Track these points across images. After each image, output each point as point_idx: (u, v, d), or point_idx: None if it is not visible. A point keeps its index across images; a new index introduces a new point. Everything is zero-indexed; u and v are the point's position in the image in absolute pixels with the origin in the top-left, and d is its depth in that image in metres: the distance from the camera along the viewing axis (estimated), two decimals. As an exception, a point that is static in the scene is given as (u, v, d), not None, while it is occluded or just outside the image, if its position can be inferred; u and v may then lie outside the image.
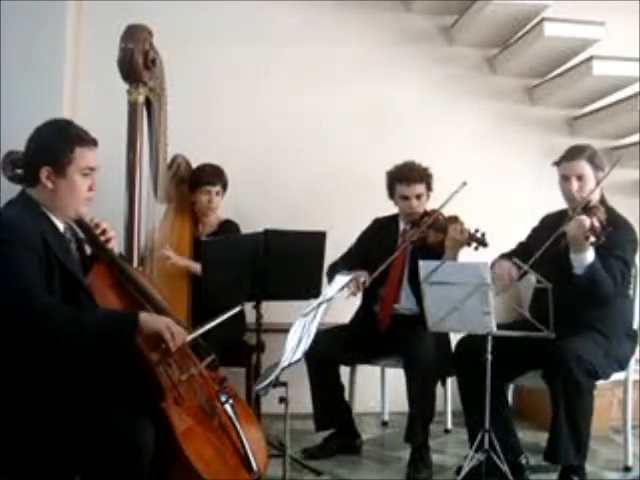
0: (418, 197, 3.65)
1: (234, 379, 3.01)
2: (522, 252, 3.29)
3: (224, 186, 3.82)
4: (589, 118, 4.52)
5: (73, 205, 2.33)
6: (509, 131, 4.57)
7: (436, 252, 3.41)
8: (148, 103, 3.31)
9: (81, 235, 2.48)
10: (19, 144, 2.46)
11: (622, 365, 3.28)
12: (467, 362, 3.22)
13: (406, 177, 3.64)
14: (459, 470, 3.19)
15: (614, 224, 3.10)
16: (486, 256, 3.29)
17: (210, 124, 4.22)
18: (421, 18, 4.54)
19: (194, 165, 3.83)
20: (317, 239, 3.42)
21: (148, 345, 2.27)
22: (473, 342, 3.13)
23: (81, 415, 2.15)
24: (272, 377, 2.54)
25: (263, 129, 4.32)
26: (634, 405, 3.56)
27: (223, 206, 3.88)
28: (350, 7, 4.44)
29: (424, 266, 3.07)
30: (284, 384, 2.63)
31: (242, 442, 2.39)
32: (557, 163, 3.31)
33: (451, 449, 3.80)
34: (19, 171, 2.48)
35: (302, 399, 3.42)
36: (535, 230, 3.47)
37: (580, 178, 3.23)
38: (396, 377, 3.78)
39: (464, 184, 3.37)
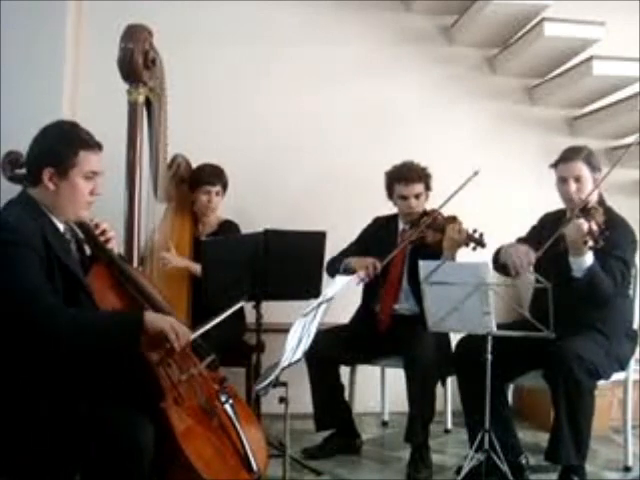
0: (417, 197, 3.65)
1: (234, 379, 3.01)
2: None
3: (224, 186, 3.82)
4: (589, 118, 4.52)
5: (73, 208, 2.32)
6: (509, 131, 4.57)
7: (435, 252, 3.41)
8: (148, 103, 3.31)
9: (81, 235, 2.48)
10: (19, 144, 2.46)
11: (622, 365, 3.28)
12: (467, 362, 3.22)
13: (404, 177, 3.64)
14: (459, 470, 3.20)
15: (613, 224, 3.10)
16: (486, 256, 3.30)
17: (210, 124, 4.22)
18: (421, 18, 4.54)
19: (194, 165, 3.84)
20: (317, 239, 3.42)
21: (151, 345, 2.27)
22: (473, 342, 3.13)
23: (81, 415, 2.15)
24: (272, 377, 2.54)
25: (263, 129, 4.33)
26: (634, 405, 3.56)
27: (223, 206, 3.88)
28: (350, 7, 4.44)
29: (424, 266, 3.07)
30: (284, 384, 2.63)
31: (242, 442, 2.38)
32: (554, 165, 3.30)
33: (451, 449, 3.80)
34: (19, 171, 2.48)
35: (302, 399, 3.42)
36: (534, 228, 3.47)
37: (578, 179, 3.23)
38: (396, 377, 3.78)
39: (476, 173, 3.38)
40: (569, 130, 4.64)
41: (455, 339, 3.45)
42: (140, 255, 3.42)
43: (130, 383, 2.31)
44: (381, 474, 3.49)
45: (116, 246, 2.56)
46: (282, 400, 2.67)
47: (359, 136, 4.41)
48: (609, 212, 3.20)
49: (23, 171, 2.47)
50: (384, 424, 4.21)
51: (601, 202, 3.26)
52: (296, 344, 2.60)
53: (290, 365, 2.62)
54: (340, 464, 3.56)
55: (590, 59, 4.09)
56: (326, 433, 3.69)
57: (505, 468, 2.99)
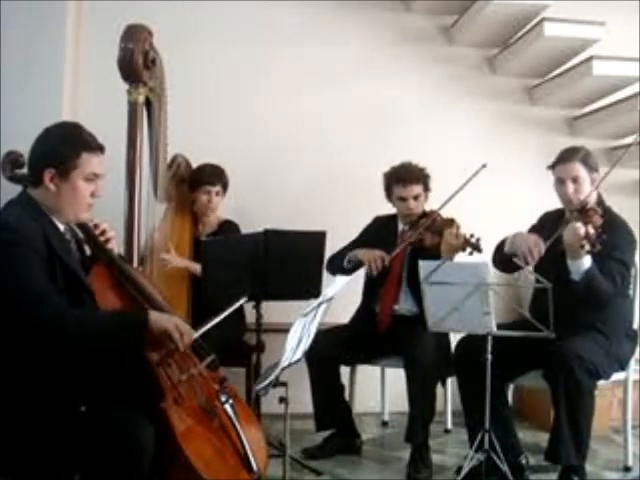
0: (415, 198, 3.65)
1: (234, 379, 3.00)
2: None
3: (224, 186, 3.82)
4: (589, 118, 4.52)
5: (73, 210, 2.32)
6: (509, 131, 4.57)
7: (433, 255, 3.40)
8: (148, 103, 3.31)
9: (80, 235, 2.48)
10: (19, 144, 2.46)
11: (622, 365, 3.28)
12: (467, 362, 3.22)
13: (403, 178, 3.63)
14: (459, 470, 3.19)
15: (612, 225, 3.10)
16: (485, 256, 3.31)
17: (210, 124, 4.22)
18: (421, 18, 4.54)
19: (194, 165, 3.84)
20: (317, 239, 3.42)
21: (154, 344, 2.26)
22: (473, 342, 3.13)
23: (81, 415, 2.15)
24: (272, 377, 2.54)
25: (263, 129, 4.33)
26: (634, 405, 3.56)
27: (223, 206, 3.88)
28: (350, 7, 4.44)
29: (424, 266, 3.07)
30: (284, 384, 2.64)
31: (242, 442, 2.38)
32: (551, 167, 3.30)
33: (451, 449, 3.80)
34: (19, 171, 2.48)
35: (302, 399, 3.42)
36: (534, 228, 3.46)
37: (575, 180, 3.23)
38: (396, 377, 3.78)
39: (484, 166, 3.38)
40: (569, 130, 4.64)
41: (455, 339, 3.45)
42: (140, 255, 3.42)
43: (130, 383, 2.31)
44: (381, 474, 3.49)
45: (116, 246, 2.55)
46: (282, 400, 2.67)
47: (359, 136, 4.41)
48: (608, 212, 3.20)
49: (23, 171, 2.47)
50: (384, 424, 4.20)
51: (600, 202, 3.25)
52: (296, 344, 2.60)
53: (290, 365, 2.62)
54: (340, 464, 3.56)
55: (590, 59, 4.09)
56: (326, 433, 3.69)
57: (505, 468, 2.99)
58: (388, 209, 3.82)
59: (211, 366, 2.50)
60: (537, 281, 2.98)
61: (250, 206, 4.20)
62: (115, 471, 2.09)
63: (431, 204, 3.71)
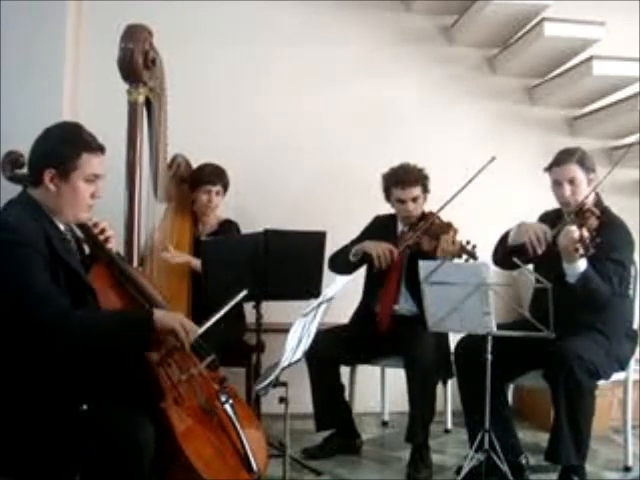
0: (414, 200, 3.64)
1: (234, 379, 3.00)
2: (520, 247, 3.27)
3: (225, 186, 3.82)
4: (589, 118, 4.52)
5: (73, 210, 2.31)
6: (509, 131, 4.57)
7: (430, 258, 3.40)
8: (148, 103, 3.31)
9: (80, 235, 2.48)
10: (19, 144, 2.46)
11: (622, 365, 3.28)
12: (467, 362, 3.22)
13: (402, 180, 3.63)
14: (459, 470, 3.20)
15: (609, 226, 3.10)
16: (485, 256, 3.31)
17: (210, 124, 4.22)
18: (421, 18, 4.54)
19: (194, 165, 3.83)
20: (317, 239, 3.42)
21: (157, 343, 2.26)
22: (473, 342, 3.13)
23: (81, 415, 2.15)
24: (272, 377, 2.54)
25: (263, 129, 4.33)
26: (634, 405, 3.56)
27: (223, 206, 3.88)
28: (350, 7, 4.44)
29: (424, 266, 3.07)
30: (284, 384, 2.64)
31: (242, 442, 2.38)
32: (548, 168, 3.30)
33: (451, 449, 3.80)
34: (19, 171, 2.48)
35: (302, 399, 3.42)
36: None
37: (572, 182, 3.22)
38: (396, 377, 3.78)
39: (493, 159, 3.38)
40: (569, 130, 4.64)
41: (455, 339, 3.45)
42: (140, 255, 3.42)
43: (130, 383, 2.31)
44: (381, 474, 3.49)
45: (115, 245, 2.55)
46: (282, 400, 2.67)
47: (359, 136, 4.41)
48: (606, 213, 3.20)
49: (23, 171, 2.47)
50: (384, 424, 4.20)
51: (598, 203, 3.24)
52: (296, 344, 2.60)
53: (290, 365, 2.63)
54: (340, 464, 3.56)
55: (590, 59, 4.09)
56: (326, 433, 3.69)
57: (505, 468, 2.99)
58: (388, 209, 3.82)
59: (211, 366, 2.49)
60: (537, 281, 2.98)
61: (250, 206, 4.20)
62: (115, 471, 2.09)
63: (431, 204, 3.70)
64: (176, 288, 3.52)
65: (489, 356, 3.00)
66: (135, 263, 3.22)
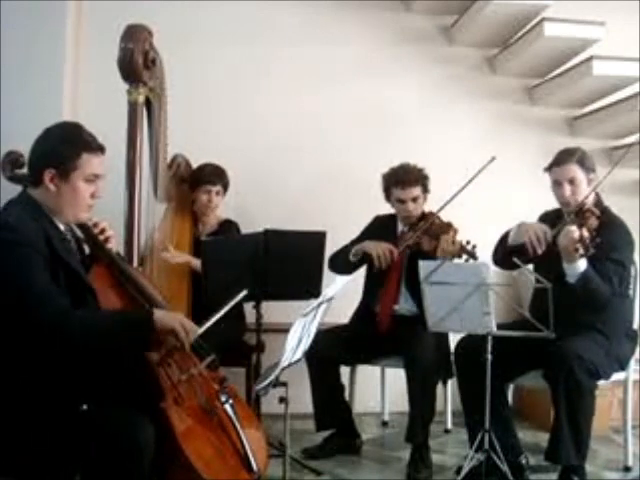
0: (414, 200, 3.64)
1: (234, 379, 3.00)
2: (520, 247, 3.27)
3: (225, 186, 3.82)
4: (589, 118, 4.52)
5: (73, 210, 2.31)
6: (509, 131, 4.57)
7: (430, 258, 3.40)
8: (148, 103, 3.31)
9: (80, 235, 2.47)
10: (19, 144, 2.46)
11: (622, 365, 3.28)
12: (467, 362, 3.22)
13: (402, 180, 3.62)
14: (459, 470, 3.20)
15: (609, 226, 3.10)
16: (485, 256, 3.30)
17: (210, 124, 4.22)
18: (421, 18, 4.54)
19: (194, 165, 3.84)
20: (317, 239, 3.42)
21: (157, 343, 2.26)
22: (473, 342, 3.13)
23: (81, 414, 2.15)
24: (272, 377, 2.54)
25: (263, 129, 4.33)
26: (634, 405, 3.56)
27: (223, 206, 3.88)
28: (350, 7, 4.44)
29: (424, 266, 3.07)
30: (284, 384, 2.64)
31: (242, 442, 2.38)
32: (548, 169, 3.30)
33: (451, 449, 3.80)
34: (19, 171, 2.48)
35: (302, 399, 3.42)
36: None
37: (572, 182, 3.22)
38: (396, 377, 3.78)
39: (493, 159, 3.38)
40: (569, 130, 4.64)
41: (455, 339, 3.45)
42: (140, 255, 3.42)
43: (130, 383, 2.31)
44: (381, 474, 3.49)
45: (115, 245, 2.55)
46: (282, 400, 2.67)
47: (359, 136, 4.41)
48: (606, 213, 3.20)
49: (23, 171, 2.47)
50: (384, 424, 4.20)
51: (598, 203, 3.24)
52: (296, 344, 2.60)
53: (290, 365, 2.63)
54: (340, 464, 3.56)
55: (590, 59, 4.09)
56: (326, 433, 3.69)
57: (505, 468, 2.99)
58: (388, 209, 3.82)
59: (211, 366, 2.49)
60: (537, 281, 2.98)
61: (250, 206, 4.20)
62: (115, 471, 2.09)
63: (431, 204, 3.70)
64: (176, 288, 3.52)
65: (489, 356, 3.00)
66: (135, 263, 3.22)
